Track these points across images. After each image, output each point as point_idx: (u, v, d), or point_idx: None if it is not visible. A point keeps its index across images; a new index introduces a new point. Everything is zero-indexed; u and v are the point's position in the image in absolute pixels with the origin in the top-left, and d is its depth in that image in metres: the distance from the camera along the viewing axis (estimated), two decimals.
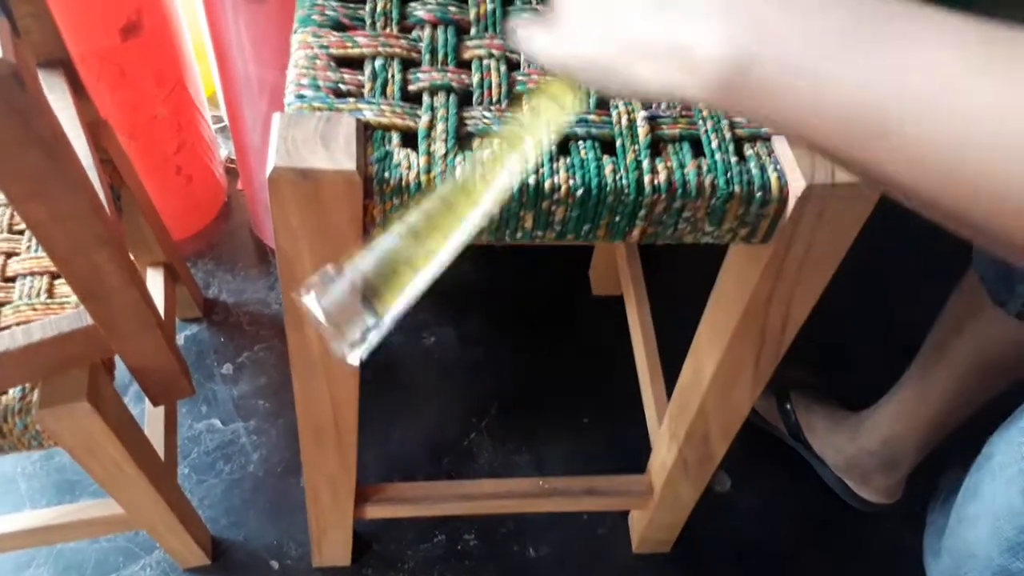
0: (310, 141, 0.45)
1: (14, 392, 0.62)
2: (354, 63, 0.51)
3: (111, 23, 0.83)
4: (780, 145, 0.49)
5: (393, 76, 0.50)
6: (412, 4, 0.54)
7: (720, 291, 0.61)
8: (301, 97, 0.48)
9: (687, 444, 0.73)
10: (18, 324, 0.65)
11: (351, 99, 0.48)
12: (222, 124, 1.26)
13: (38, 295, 0.67)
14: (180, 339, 1.06)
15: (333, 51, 0.50)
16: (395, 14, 0.53)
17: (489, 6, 0.54)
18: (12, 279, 0.68)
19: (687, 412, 0.70)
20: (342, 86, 0.49)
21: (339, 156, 0.44)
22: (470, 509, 0.86)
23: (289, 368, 0.61)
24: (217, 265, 1.14)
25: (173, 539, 0.84)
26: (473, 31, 0.53)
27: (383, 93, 0.49)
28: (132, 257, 0.91)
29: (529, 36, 0.36)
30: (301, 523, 0.93)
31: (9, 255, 0.70)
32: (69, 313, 0.60)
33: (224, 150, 1.24)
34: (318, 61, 0.50)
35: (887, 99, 0.26)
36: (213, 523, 0.93)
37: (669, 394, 0.85)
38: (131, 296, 0.59)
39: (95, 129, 0.77)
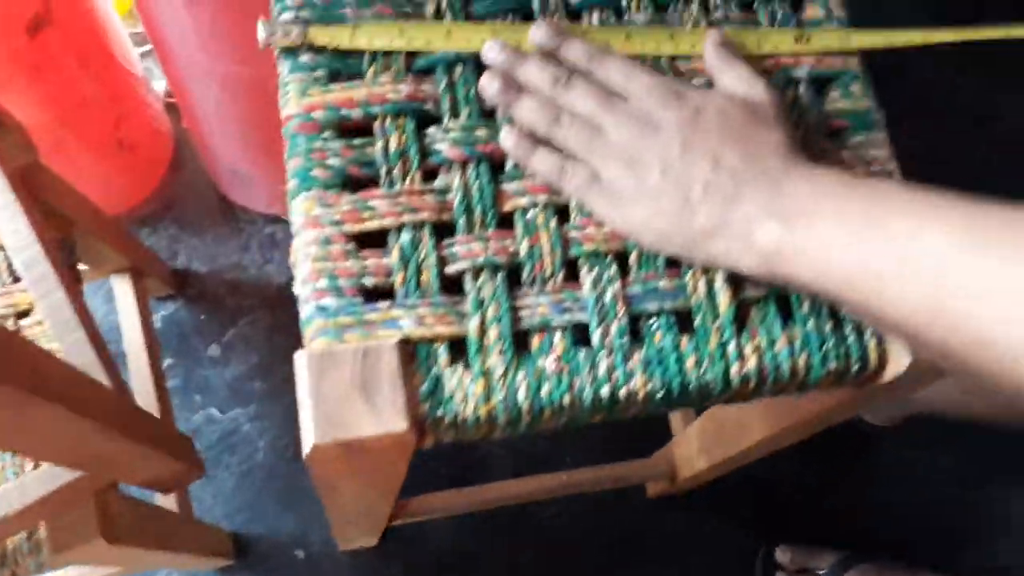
0: (349, 396, 0.37)
1: (20, 534, 0.57)
2: (374, 238, 0.41)
3: (13, 23, 0.67)
4: None
5: (426, 257, 0.41)
6: (430, 133, 0.43)
7: None
8: (323, 310, 0.39)
9: (723, 464, 0.72)
10: None
11: (383, 303, 0.40)
12: (147, 47, 1.09)
13: None
14: (157, 321, 0.99)
15: (348, 227, 0.41)
16: (413, 152, 0.42)
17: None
18: None
19: (726, 446, 0.68)
20: (368, 280, 0.40)
21: (386, 412, 0.37)
22: (496, 505, 0.86)
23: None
24: (181, 229, 1.04)
25: (195, 565, 0.83)
26: (509, 165, 0.43)
27: (418, 285, 0.40)
28: (89, 269, 0.82)
29: (582, 191, 0.42)
30: (321, 506, 0.93)
31: None
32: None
33: (159, 81, 1.08)
34: (333, 247, 0.41)
35: (877, 278, 0.35)
36: (229, 519, 0.92)
37: None
38: (135, 451, 0.52)
39: (28, 177, 0.65)
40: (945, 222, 0.34)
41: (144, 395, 0.79)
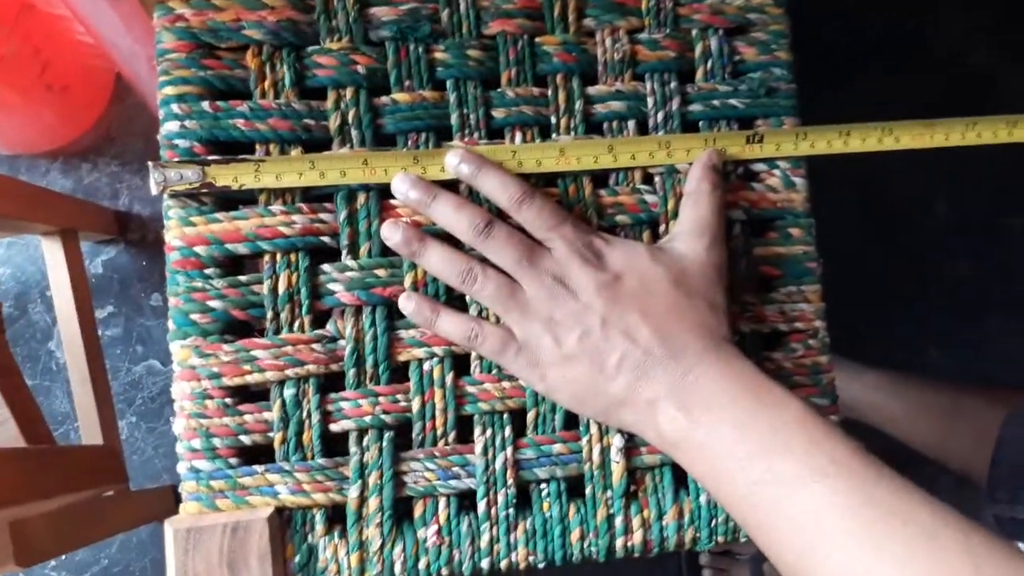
0: (215, 571, 0.37)
1: None
2: (256, 392, 0.39)
3: None
4: None
5: (309, 415, 0.39)
6: (325, 270, 0.40)
7: None
8: (196, 472, 0.38)
9: None
10: None
11: (259, 467, 0.38)
12: None
13: None
14: (98, 266, 0.96)
15: (227, 381, 0.39)
16: (304, 295, 0.39)
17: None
18: None
19: None
20: (245, 439, 0.39)
21: None
22: None
23: None
24: (122, 166, 0.98)
25: None
26: None
27: (298, 446, 0.39)
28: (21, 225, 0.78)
29: (496, 355, 0.39)
30: None
31: None
32: None
33: None
34: (210, 402, 0.38)
35: (764, 508, 0.34)
36: (170, 473, 0.94)
37: None
38: (48, 503, 0.52)
39: None
40: (833, 487, 0.33)
41: (77, 370, 0.78)
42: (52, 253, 0.81)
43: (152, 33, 0.42)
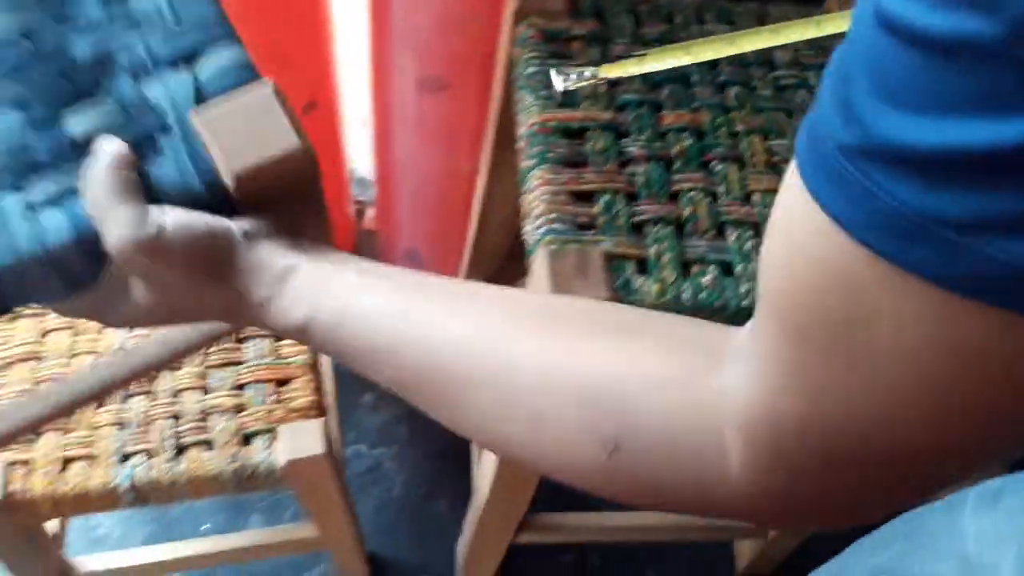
0: (571, 273, 0.56)
1: (260, 445, 0.74)
2: (585, 196, 0.62)
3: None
4: None
5: (620, 211, 0.60)
6: (624, 140, 0.64)
7: None
8: (553, 231, 0.59)
9: None
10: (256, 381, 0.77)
11: (591, 232, 0.59)
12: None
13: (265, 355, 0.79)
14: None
15: (569, 188, 0.61)
16: (613, 151, 0.64)
17: (687, 143, 0.65)
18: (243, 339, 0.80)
19: None
20: (580, 219, 0.60)
21: (595, 284, 0.55)
22: (604, 537, 0.97)
23: None
24: None
25: (349, 558, 0.96)
26: (677, 164, 0.64)
27: (614, 225, 0.60)
28: None
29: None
30: (445, 543, 1.05)
31: None
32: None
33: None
34: (559, 197, 0.61)
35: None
36: (367, 540, 1.05)
37: None
38: None
39: None
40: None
41: None
42: None
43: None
